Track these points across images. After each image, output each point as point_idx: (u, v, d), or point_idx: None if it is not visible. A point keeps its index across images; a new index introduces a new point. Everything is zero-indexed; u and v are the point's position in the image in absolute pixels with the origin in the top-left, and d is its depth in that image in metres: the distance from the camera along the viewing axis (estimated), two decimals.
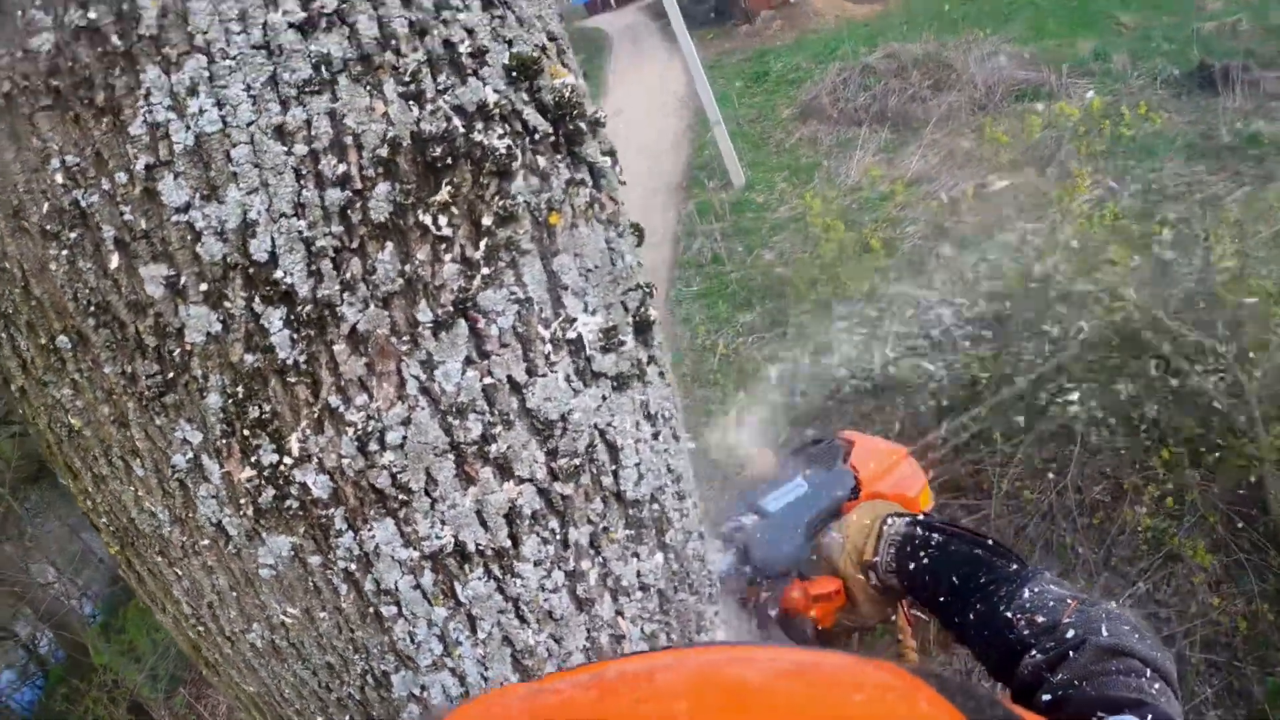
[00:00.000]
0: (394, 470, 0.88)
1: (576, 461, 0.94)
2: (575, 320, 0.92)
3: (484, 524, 0.91)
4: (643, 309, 1.01)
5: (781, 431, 7.10)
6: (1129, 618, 1.06)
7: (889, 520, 1.41)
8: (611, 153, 1.03)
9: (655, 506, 1.03)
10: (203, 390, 0.87)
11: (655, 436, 1.03)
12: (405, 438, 0.87)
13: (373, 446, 0.87)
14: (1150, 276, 6.01)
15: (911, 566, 1.32)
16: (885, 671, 0.59)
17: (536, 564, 0.94)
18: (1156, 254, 5.99)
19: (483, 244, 0.86)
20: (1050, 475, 5.43)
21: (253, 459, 0.89)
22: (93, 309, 0.86)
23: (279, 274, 0.83)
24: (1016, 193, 7.41)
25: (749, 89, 16.77)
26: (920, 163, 11.08)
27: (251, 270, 0.83)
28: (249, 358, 0.85)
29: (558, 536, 0.95)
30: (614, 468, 0.98)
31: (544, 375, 0.91)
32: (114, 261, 0.83)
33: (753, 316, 9.35)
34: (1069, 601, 1.10)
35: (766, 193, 12.31)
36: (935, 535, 1.33)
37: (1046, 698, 0.96)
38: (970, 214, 8.20)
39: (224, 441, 0.89)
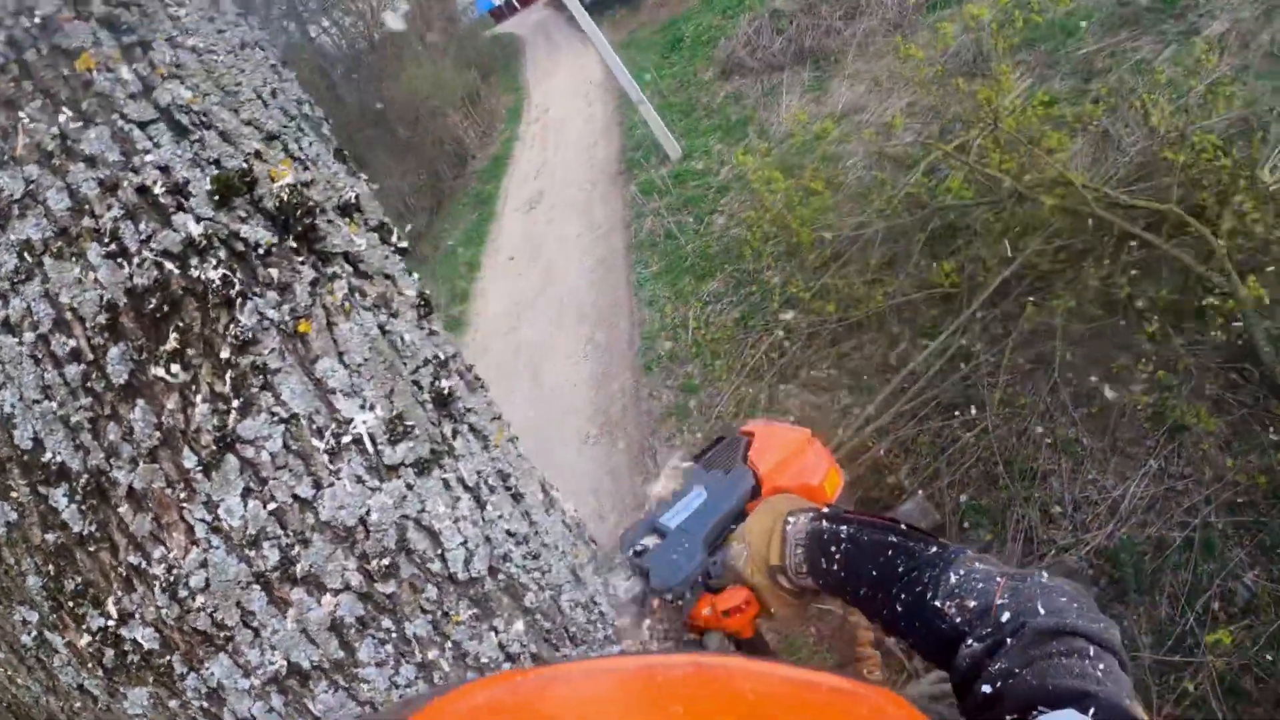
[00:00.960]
0: (209, 610, 0.89)
1: (389, 560, 0.94)
2: (351, 421, 0.92)
3: (312, 641, 0.91)
4: (438, 382, 1.01)
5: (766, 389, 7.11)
6: (1065, 587, 1.01)
7: (790, 519, 1.33)
8: (380, 226, 1.03)
9: (500, 577, 1.03)
10: (21, 574, 0.89)
11: (482, 507, 1.03)
12: (208, 579, 0.88)
13: (182, 593, 0.88)
14: (1095, 156, 6.00)
15: (824, 564, 1.24)
16: (882, 698, 0.60)
17: (379, 665, 0.94)
18: (1095, 130, 5.97)
19: (228, 376, 0.86)
20: (1040, 374, 5.41)
21: (84, 625, 0.90)
22: None
23: (48, 456, 0.85)
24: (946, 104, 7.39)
25: (666, 59, 16.67)
26: (848, 94, 11.02)
27: (25, 458, 0.85)
28: (49, 537, 0.87)
29: (394, 634, 0.95)
30: (438, 552, 0.97)
31: (331, 485, 0.91)
32: None
33: (716, 284, 9.33)
34: (998, 580, 1.04)
35: (705, 158, 12.24)
36: (844, 528, 1.25)
37: (985, 689, 0.91)
38: (905, 134, 8.17)
39: (56, 615, 0.91)
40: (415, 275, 1.10)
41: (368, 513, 0.92)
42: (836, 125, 9.58)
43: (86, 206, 0.82)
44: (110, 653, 0.91)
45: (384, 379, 0.96)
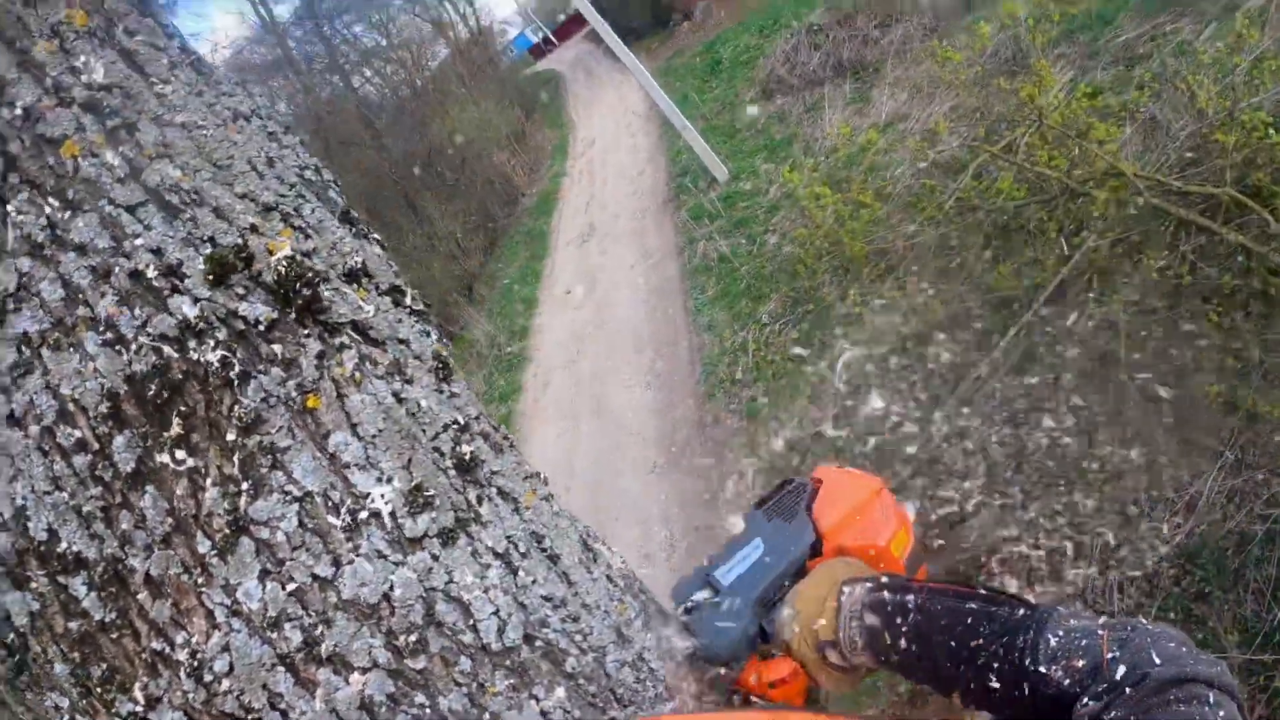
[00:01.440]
0: (235, 694, 0.86)
1: (416, 635, 0.90)
2: (369, 495, 0.89)
3: None
4: (460, 448, 0.97)
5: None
6: (1171, 632, 0.95)
7: (846, 588, 1.21)
8: (393, 289, 1.00)
9: (538, 643, 0.99)
10: (49, 661, 0.88)
11: (514, 573, 0.99)
12: (232, 662, 0.86)
13: (207, 677, 0.86)
14: (1144, 144, 5.87)
15: (888, 639, 1.14)
16: None
17: None
18: (1142, 118, 5.85)
19: (236, 458, 0.84)
20: (1106, 372, 5.29)
21: (114, 711, 0.89)
22: None
23: (64, 545, 0.84)
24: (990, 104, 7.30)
25: (706, 83, 16.74)
26: (890, 103, 10.95)
27: (41, 549, 0.84)
28: (72, 625, 0.86)
29: (428, 710, 0.91)
30: (470, 623, 0.94)
31: (351, 562, 0.88)
32: None
33: (773, 304, 9.27)
34: (1100, 634, 0.97)
35: (752, 179, 12.23)
36: (911, 597, 1.14)
37: None
38: (950, 138, 8.09)
39: (85, 702, 0.90)
40: (433, 335, 1.07)
41: (391, 588, 0.89)
42: (881, 135, 9.50)
43: (80, 296, 0.81)
44: None
45: (401, 449, 0.93)
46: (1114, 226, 5.26)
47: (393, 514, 0.90)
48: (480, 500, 0.99)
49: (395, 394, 0.95)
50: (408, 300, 1.02)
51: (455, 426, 0.99)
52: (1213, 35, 7.36)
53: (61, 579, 0.84)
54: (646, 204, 14.23)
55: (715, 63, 17.08)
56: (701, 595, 1.29)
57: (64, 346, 0.80)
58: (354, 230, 1.04)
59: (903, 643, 1.12)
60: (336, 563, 0.88)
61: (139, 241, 0.83)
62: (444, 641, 0.92)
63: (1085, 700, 0.91)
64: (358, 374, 0.92)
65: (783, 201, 10.95)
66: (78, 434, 0.81)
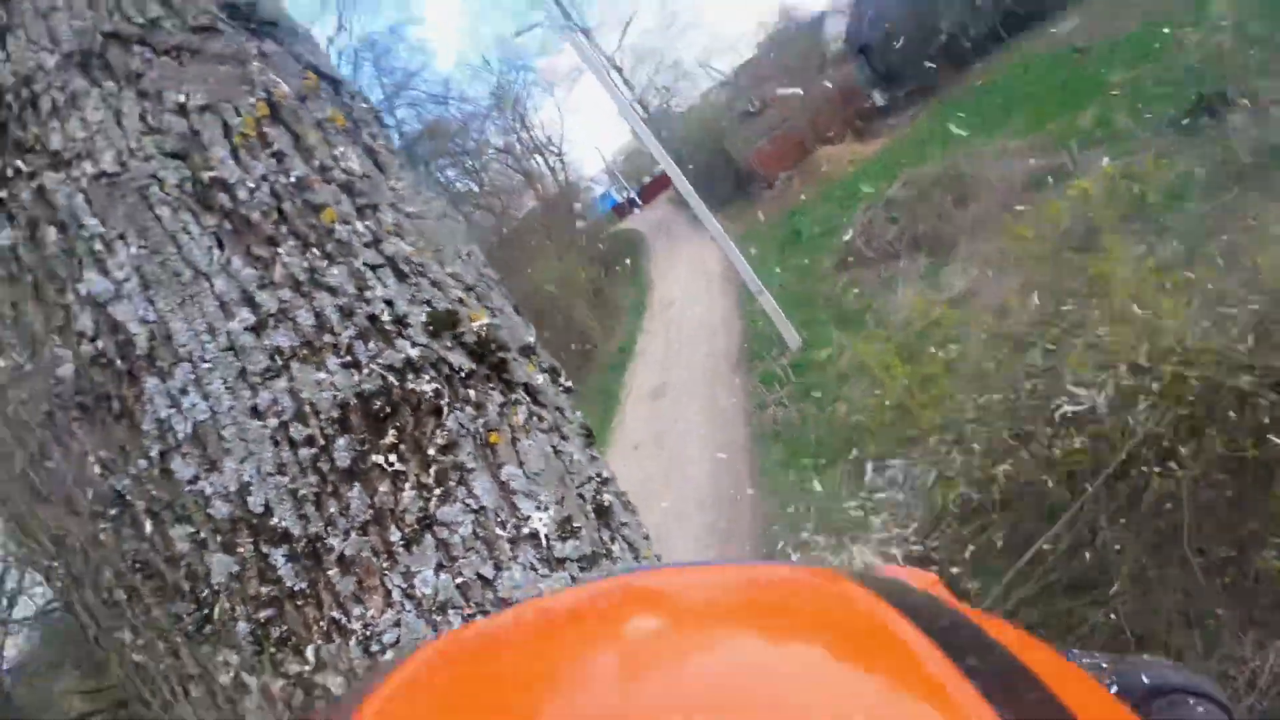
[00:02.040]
0: None
1: None
2: (529, 518, 1.08)
3: None
4: (599, 496, 1.17)
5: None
6: (1169, 664, 0.99)
7: None
8: (551, 369, 1.22)
9: None
10: (233, 619, 1.05)
11: None
12: (399, 637, 1.03)
13: (374, 647, 1.03)
14: (1212, 320, 5.95)
15: None
16: (820, 577, 0.62)
17: None
18: (1210, 293, 5.93)
19: (432, 470, 1.04)
20: (1169, 547, 5.26)
21: (282, 670, 1.05)
22: (138, 566, 1.07)
23: (275, 520, 1.02)
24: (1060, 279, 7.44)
25: (785, 251, 17.11)
26: (963, 279, 11.16)
27: (254, 521, 1.02)
28: (264, 589, 1.03)
29: None
30: None
31: (509, 568, 1.06)
32: (148, 528, 1.05)
33: (837, 473, 9.31)
34: (1104, 666, 1.01)
35: (825, 347, 12.39)
36: None
37: None
38: (1021, 313, 8.20)
39: (257, 659, 1.05)
40: (580, 412, 1.28)
41: (539, 595, 1.07)
42: (953, 309, 9.68)
43: (328, 325, 1.03)
44: (301, 696, 1.04)
45: (556, 487, 1.13)
46: (1180, 402, 5.30)
47: (546, 536, 1.10)
48: (612, 540, 1.18)
49: (554, 446, 1.15)
50: (561, 379, 1.24)
51: (597, 479, 1.19)
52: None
53: (265, 549, 1.02)
54: (719, 366, 14.45)
55: (794, 232, 17.55)
56: None
57: (309, 362, 1.02)
58: (523, 320, 1.28)
59: None
60: (498, 567, 1.06)
61: (377, 293, 1.06)
62: None
63: None
64: (528, 425, 1.13)
65: (853, 371, 11.06)
66: (308, 431, 1.01)
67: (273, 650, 1.05)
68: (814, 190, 19.63)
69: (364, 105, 1.21)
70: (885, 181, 15.50)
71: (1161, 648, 4.99)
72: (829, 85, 22.92)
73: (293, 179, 1.08)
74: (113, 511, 1.05)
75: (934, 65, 19.84)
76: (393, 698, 0.50)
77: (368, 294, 1.06)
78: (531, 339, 1.20)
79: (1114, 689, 0.96)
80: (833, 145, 21.64)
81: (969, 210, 12.51)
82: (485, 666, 0.52)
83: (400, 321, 1.06)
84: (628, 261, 24.22)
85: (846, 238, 14.77)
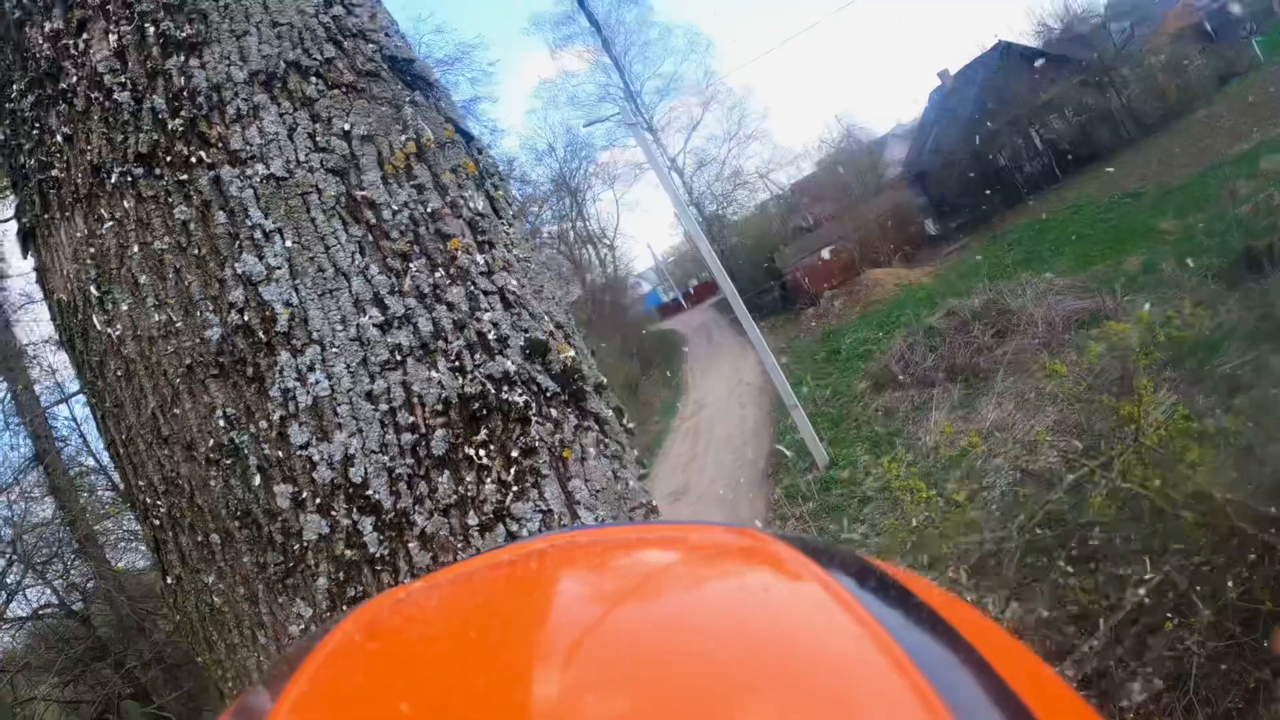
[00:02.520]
0: None
1: None
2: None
3: None
4: (648, 520, 1.34)
5: None
6: None
7: None
8: (617, 409, 1.39)
9: None
10: (314, 575, 1.19)
11: None
12: None
13: None
14: (1237, 471, 5.99)
15: None
16: (746, 536, 0.64)
17: None
18: (1237, 445, 5.97)
19: (513, 470, 1.20)
20: (1177, 694, 5.25)
21: None
22: (239, 514, 1.22)
23: (370, 492, 1.17)
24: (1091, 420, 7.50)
25: (822, 368, 17.18)
26: (995, 411, 11.22)
27: (351, 490, 1.17)
28: (349, 552, 1.18)
29: None
30: None
31: None
32: (256, 481, 1.20)
33: None
34: None
35: (851, 467, 12.40)
36: None
37: None
38: (1049, 450, 8.25)
39: (329, 614, 1.19)
40: (635, 451, 1.45)
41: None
42: (983, 440, 9.74)
43: (443, 334, 1.21)
44: None
45: (614, 505, 1.28)
46: (1198, 549, 5.33)
47: None
48: None
49: (614, 471, 1.31)
50: (625, 420, 1.42)
51: (647, 506, 1.35)
52: None
53: (356, 516, 1.16)
54: (744, 475, 14.44)
55: (834, 351, 17.65)
56: None
57: (423, 361, 1.19)
58: (596, 362, 1.46)
59: None
60: None
61: (486, 315, 1.24)
62: None
63: None
64: (594, 449, 1.29)
65: (877, 494, 11.07)
66: (412, 419, 1.17)
67: (345, 608, 1.18)
68: (856, 311, 19.82)
69: (490, 160, 1.42)
70: (928, 309, 15.64)
71: None
72: (883, 208, 23.28)
73: (429, 209, 1.27)
74: (228, 461, 1.21)
75: (988, 199, 20.15)
76: (306, 700, 0.51)
77: (478, 314, 1.24)
78: (604, 380, 1.37)
79: None
80: (880, 268, 21.89)
81: (1008, 344, 12.61)
82: (402, 657, 0.54)
83: (502, 341, 1.24)
84: (667, 367, 24.39)
85: (884, 362, 14.85)
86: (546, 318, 1.34)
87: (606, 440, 1.34)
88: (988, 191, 20.84)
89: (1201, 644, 5.10)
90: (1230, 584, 5.07)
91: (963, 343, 13.31)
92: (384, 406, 1.19)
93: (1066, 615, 6.11)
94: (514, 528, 1.20)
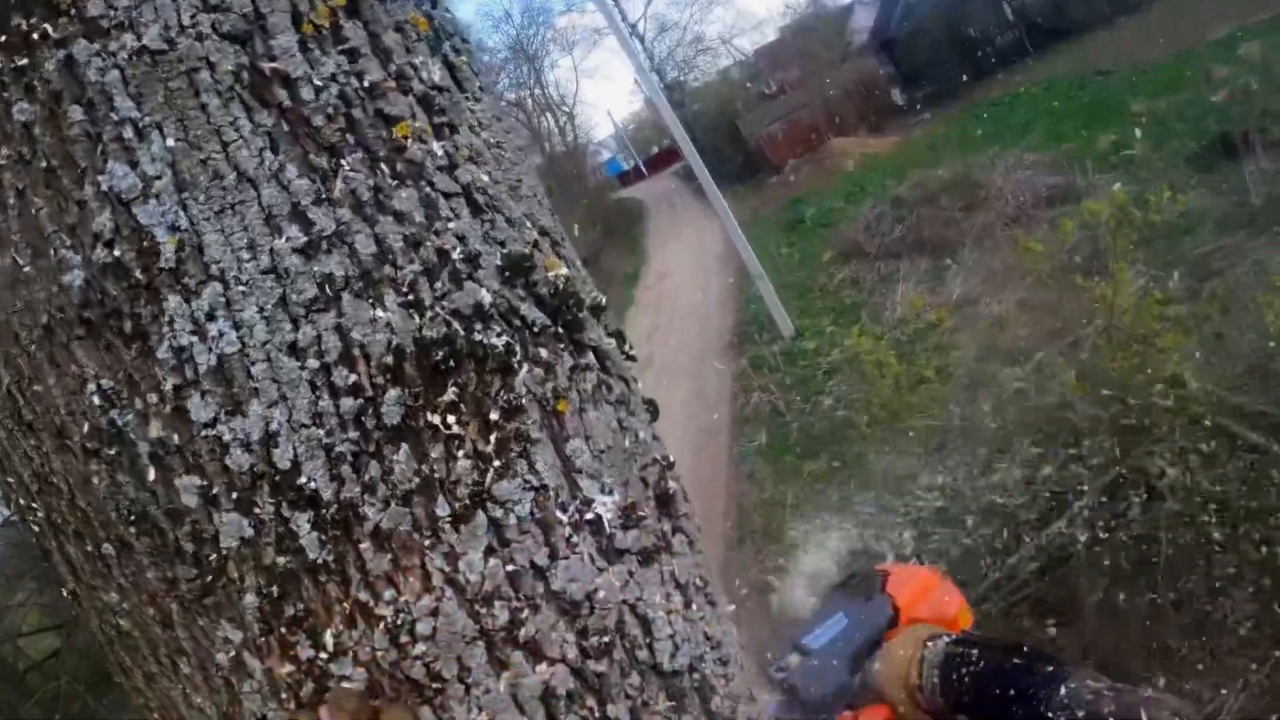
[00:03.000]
0: (426, 660, 0.90)
1: (607, 639, 0.95)
2: (593, 501, 0.95)
3: (520, 708, 0.92)
4: (663, 482, 1.05)
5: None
6: (1171, 701, 1.08)
7: (929, 643, 1.46)
8: (617, 334, 1.08)
9: (695, 675, 1.03)
10: (240, 591, 0.91)
11: (688, 605, 1.04)
12: (435, 628, 0.89)
13: (404, 638, 0.90)
14: (1208, 358, 5.93)
15: (955, 684, 1.36)
16: None
17: None
18: (1209, 332, 5.92)
19: (492, 438, 0.90)
20: (1141, 579, 5.25)
21: (291, 654, 0.92)
22: (133, 519, 0.92)
23: (303, 480, 0.88)
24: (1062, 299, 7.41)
25: (787, 238, 17.11)
26: (962, 286, 11.13)
27: (277, 478, 0.88)
28: (281, 559, 0.89)
29: (596, 715, 0.95)
30: (648, 640, 0.98)
31: (566, 558, 0.93)
32: (151, 475, 0.90)
33: (818, 465, 9.27)
34: (1107, 694, 1.13)
35: (817, 338, 12.39)
36: (975, 650, 1.37)
37: None
38: (1019, 327, 8.17)
39: (263, 639, 0.92)
40: (641, 383, 1.15)
41: (595, 590, 0.94)
42: (951, 315, 9.64)
43: (390, 256, 0.88)
44: (310, 686, 0.91)
45: (622, 469, 1.00)
46: (1169, 435, 5.29)
47: (609, 523, 0.96)
48: (674, 532, 1.05)
49: (620, 421, 1.02)
50: (626, 347, 1.10)
51: (662, 462, 1.06)
52: None
53: (287, 512, 0.88)
54: (709, 346, 14.45)
55: (798, 220, 17.51)
56: (794, 658, 1.51)
57: (365, 296, 0.87)
58: (589, 275, 1.14)
59: (965, 689, 1.34)
60: (554, 555, 0.93)
61: (450, 225, 0.91)
62: (624, 653, 0.97)
63: None
64: (596, 395, 1.00)
65: (843, 365, 11.05)
66: (354, 378, 0.86)
67: (283, 630, 0.91)
68: (822, 180, 19.56)
69: (447, 14, 1.05)
70: (895, 180, 15.50)
71: (1124, 677, 4.96)
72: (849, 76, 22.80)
73: (365, 83, 0.93)
74: (111, 451, 0.90)
75: (957, 70, 19.81)
76: None
77: (438, 225, 0.92)
78: (602, 299, 1.06)
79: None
80: (846, 138, 21.48)
81: (976, 218, 12.49)
82: None
83: (472, 261, 0.92)
84: (629, 235, 24.10)
85: (850, 231, 14.75)
86: (528, 223, 1.01)
87: (609, 380, 1.04)
88: (957, 63, 20.36)
89: (1171, 532, 5.06)
90: (1200, 473, 5.03)
91: (930, 215, 13.16)
92: (313, 363, 0.87)
93: (1035, 498, 6.07)
94: (498, 514, 0.91)
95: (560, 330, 0.98)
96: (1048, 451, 6.09)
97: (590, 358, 1.01)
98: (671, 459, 1.10)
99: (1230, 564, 4.87)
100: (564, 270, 0.99)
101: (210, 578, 0.92)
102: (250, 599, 0.91)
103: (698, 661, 1.04)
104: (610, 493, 0.97)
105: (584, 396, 0.99)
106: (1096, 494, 5.42)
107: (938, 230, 12.88)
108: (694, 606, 1.05)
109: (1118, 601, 5.22)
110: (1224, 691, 4.59)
